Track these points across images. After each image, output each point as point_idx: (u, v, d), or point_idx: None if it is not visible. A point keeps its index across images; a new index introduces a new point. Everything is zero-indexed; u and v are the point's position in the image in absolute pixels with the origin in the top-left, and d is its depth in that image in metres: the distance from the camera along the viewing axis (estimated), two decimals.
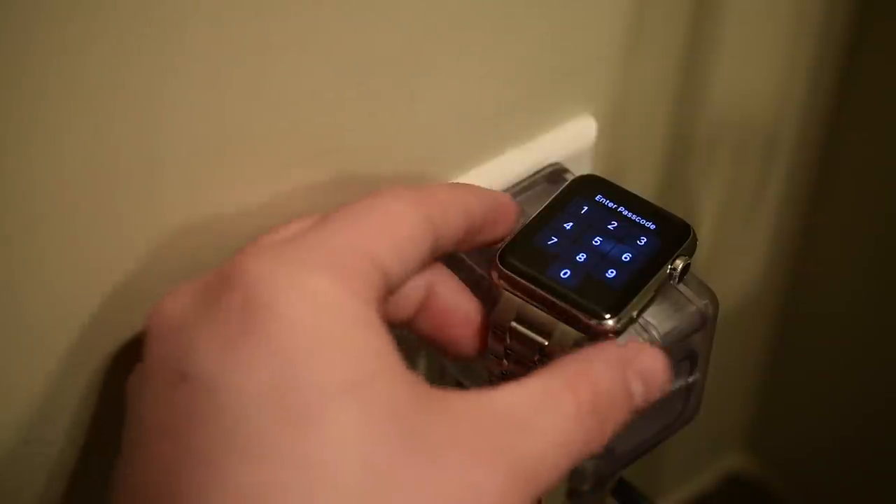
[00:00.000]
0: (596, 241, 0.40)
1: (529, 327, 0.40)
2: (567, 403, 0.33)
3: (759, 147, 0.71)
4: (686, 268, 0.42)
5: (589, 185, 0.43)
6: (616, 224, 0.41)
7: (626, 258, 0.40)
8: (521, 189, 0.51)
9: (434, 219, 0.36)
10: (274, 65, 0.40)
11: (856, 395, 0.86)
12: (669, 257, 0.41)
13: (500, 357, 0.41)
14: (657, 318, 0.47)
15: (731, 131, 0.67)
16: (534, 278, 0.39)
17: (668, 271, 0.41)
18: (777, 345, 0.89)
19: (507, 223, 0.41)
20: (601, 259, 0.40)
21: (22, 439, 0.41)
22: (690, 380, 0.49)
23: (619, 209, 0.42)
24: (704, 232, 0.72)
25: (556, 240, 0.40)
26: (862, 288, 0.81)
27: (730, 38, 0.61)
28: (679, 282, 0.42)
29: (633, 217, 0.41)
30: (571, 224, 0.41)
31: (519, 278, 0.40)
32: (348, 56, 0.42)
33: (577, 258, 0.40)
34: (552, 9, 0.49)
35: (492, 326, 0.40)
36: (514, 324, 0.40)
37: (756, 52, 0.65)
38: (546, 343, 0.40)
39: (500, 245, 0.41)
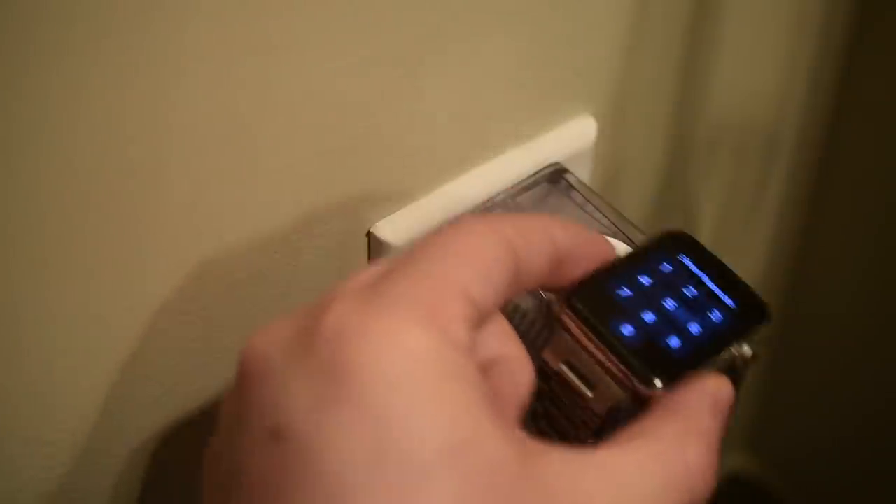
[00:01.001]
0: (668, 305, 0.38)
1: (577, 374, 0.38)
2: (677, 468, 0.32)
3: (760, 147, 0.71)
4: (753, 359, 0.39)
5: (677, 242, 0.40)
6: (694, 291, 0.39)
7: (693, 330, 0.38)
8: (521, 189, 0.51)
9: (516, 243, 0.34)
10: (276, 64, 0.40)
11: (856, 394, 0.86)
12: (738, 340, 0.38)
13: (539, 396, 0.39)
14: None
15: (731, 131, 0.67)
16: (595, 327, 0.37)
17: (732, 356, 0.38)
18: (777, 345, 0.89)
19: (596, 261, 0.38)
20: (668, 324, 0.37)
21: (22, 439, 0.41)
22: None
23: (701, 276, 0.39)
24: (704, 232, 0.72)
25: (629, 293, 0.38)
26: (862, 288, 0.81)
27: (730, 39, 0.61)
28: (742, 376, 0.39)
29: (713, 287, 0.39)
30: (649, 280, 0.39)
31: (581, 322, 0.37)
32: (349, 56, 0.42)
33: (645, 317, 0.37)
34: (552, 9, 0.49)
35: (539, 363, 0.39)
36: (562, 366, 0.38)
37: (756, 52, 0.65)
38: (590, 395, 0.38)
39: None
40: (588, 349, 0.37)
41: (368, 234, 0.47)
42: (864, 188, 0.77)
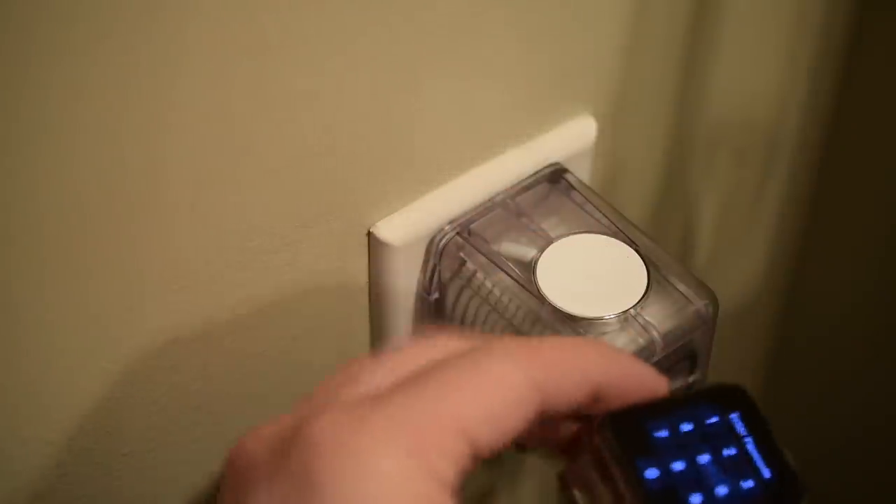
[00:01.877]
0: (702, 459, 0.35)
1: (588, 500, 0.36)
2: None
3: (760, 147, 0.71)
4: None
5: (733, 397, 0.38)
6: (733, 452, 0.36)
7: (720, 492, 0.35)
8: (521, 189, 0.51)
9: (545, 385, 0.33)
10: (274, 64, 0.40)
11: (856, 395, 0.86)
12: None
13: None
14: (657, 318, 0.47)
15: (731, 132, 0.67)
16: (621, 458, 0.35)
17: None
18: (777, 345, 0.89)
19: (644, 394, 0.36)
20: (696, 479, 0.35)
21: (22, 439, 0.41)
22: (690, 380, 0.49)
23: (745, 439, 0.37)
24: (705, 232, 0.72)
25: (666, 434, 0.35)
26: (862, 288, 0.81)
27: (730, 39, 0.61)
28: None
29: (754, 453, 0.36)
30: (690, 428, 0.36)
31: (609, 450, 0.35)
32: (349, 56, 0.42)
33: (674, 465, 0.35)
34: (552, 9, 0.49)
35: (559, 476, 0.37)
36: (576, 492, 0.36)
37: (756, 52, 0.65)
38: None
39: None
40: (608, 477, 0.35)
41: (368, 234, 0.47)
42: (864, 188, 0.77)
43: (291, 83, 0.41)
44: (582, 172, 0.53)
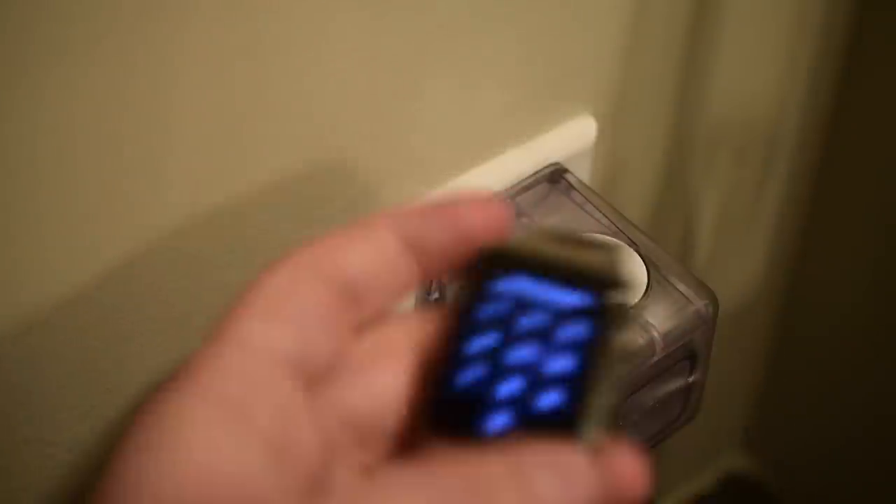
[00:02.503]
0: (518, 357, 0.30)
1: None
2: None
3: (760, 147, 0.71)
4: (623, 313, 0.31)
5: (488, 265, 0.32)
6: (534, 316, 0.30)
7: (558, 366, 0.30)
8: (521, 189, 0.51)
9: (408, 232, 0.31)
10: (274, 65, 0.40)
11: (855, 395, 0.86)
12: (608, 336, 0.30)
13: None
14: (657, 318, 0.47)
15: (731, 132, 0.67)
16: (468, 439, 0.29)
17: (612, 356, 0.30)
18: (777, 345, 0.89)
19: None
20: (532, 381, 0.30)
21: (22, 439, 0.41)
22: (690, 380, 0.49)
23: (529, 292, 0.31)
24: (705, 232, 0.72)
25: (477, 373, 0.30)
26: (861, 288, 0.81)
27: (730, 39, 0.61)
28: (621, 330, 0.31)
29: (550, 296, 0.31)
30: (487, 341, 0.30)
31: (455, 440, 0.30)
32: (348, 57, 0.42)
33: (504, 391, 0.29)
34: (552, 10, 0.49)
35: None
36: None
37: (756, 52, 0.65)
38: None
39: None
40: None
41: None
42: (864, 188, 0.77)
43: (291, 84, 0.41)
44: (582, 172, 0.53)
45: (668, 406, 0.49)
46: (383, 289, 0.31)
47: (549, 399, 0.29)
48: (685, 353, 0.48)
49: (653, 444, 0.50)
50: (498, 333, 0.30)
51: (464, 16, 0.45)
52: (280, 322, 0.29)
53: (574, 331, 0.30)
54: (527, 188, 0.51)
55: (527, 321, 0.30)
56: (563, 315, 0.30)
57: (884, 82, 0.72)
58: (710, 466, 0.96)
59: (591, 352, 0.30)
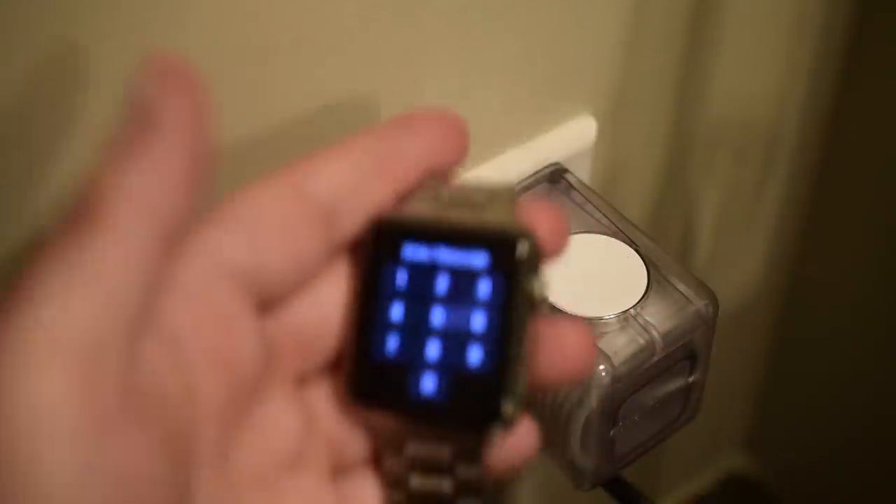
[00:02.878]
0: (436, 322, 0.30)
1: (427, 473, 0.30)
2: None
3: (760, 147, 0.71)
4: (531, 261, 0.30)
5: (388, 238, 0.31)
6: (444, 281, 0.30)
7: (476, 325, 0.29)
8: (521, 189, 0.51)
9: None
10: (274, 64, 0.40)
11: (855, 395, 0.86)
12: (519, 287, 0.30)
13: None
14: (657, 318, 0.47)
15: (731, 132, 0.67)
16: (399, 408, 0.30)
17: (527, 306, 0.30)
18: (777, 345, 0.89)
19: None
20: (453, 343, 0.29)
21: None
22: (690, 380, 0.49)
23: (434, 258, 0.30)
24: (705, 232, 0.72)
25: (397, 341, 0.30)
26: (862, 288, 0.81)
27: (730, 39, 0.61)
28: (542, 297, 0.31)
29: (455, 260, 0.30)
30: (402, 308, 0.30)
31: (384, 414, 0.30)
32: (348, 56, 0.42)
33: (429, 355, 0.29)
34: (552, 9, 0.49)
35: (384, 476, 0.31)
36: (414, 480, 0.30)
37: (756, 52, 0.65)
38: (452, 486, 0.30)
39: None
40: (413, 438, 0.30)
41: None
42: (864, 188, 0.77)
43: (291, 84, 0.41)
44: (582, 172, 0.53)
45: (668, 406, 0.49)
46: (358, 208, 0.30)
47: (473, 359, 0.29)
48: (685, 353, 0.48)
49: (653, 445, 0.50)
50: (410, 300, 0.30)
51: (463, 15, 0.45)
52: (233, 230, 0.28)
53: (483, 289, 0.30)
54: (527, 188, 0.51)
55: (436, 285, 0.30)
56: (470, 275, 0.30)
57: (884, 83, 0.72)
58: (710, 466, 0.96)
59: (503, 306, 0.29)
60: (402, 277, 0.30)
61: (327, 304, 0.30)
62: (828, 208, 0.80)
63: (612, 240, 0.49)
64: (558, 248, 0.31)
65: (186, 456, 0.26)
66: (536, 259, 0.30)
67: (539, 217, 0.31)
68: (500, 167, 0.51)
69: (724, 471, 0.97)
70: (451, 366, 0.29)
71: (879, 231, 0.78)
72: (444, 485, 0.30)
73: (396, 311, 0.30)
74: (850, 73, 0.72)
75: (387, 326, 0.30)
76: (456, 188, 0.32)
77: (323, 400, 0.31)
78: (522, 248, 0.30)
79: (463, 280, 0.30)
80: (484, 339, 0.29)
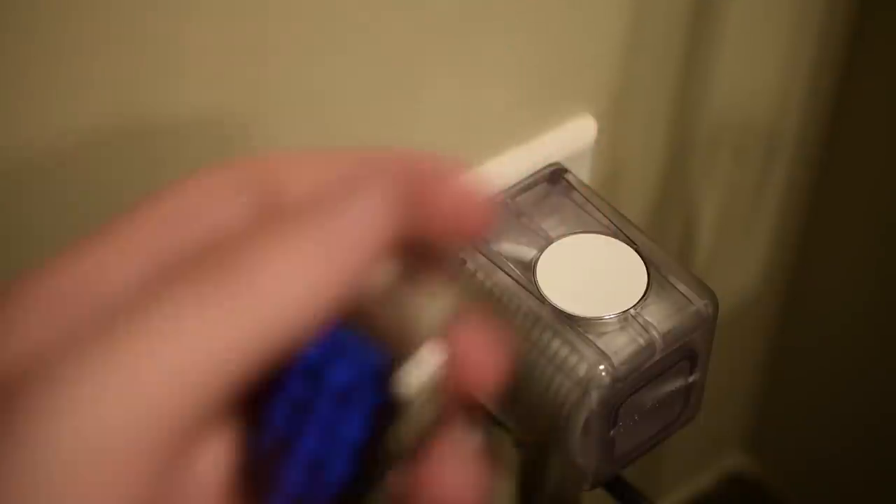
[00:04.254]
0: (313, 421, 0.26)
1: None
2: None
3: (760, 147, 0.71)
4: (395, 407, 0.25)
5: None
6: (315, 389, 0.26)
7: (346, 435, 0.25)
8: (521, 189, 0.51)
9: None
10: (274, 64, 0.40)
11: (855, 395, 0.86)
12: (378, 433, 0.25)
13: None
14: (657, 318, 0.47)
15: (731, 131, 0.67)
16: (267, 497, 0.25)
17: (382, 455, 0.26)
18: (777, 345, 0.89)
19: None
20: (326, 447, 0.26)
21: None
22: (690, 380, 0.49)
23: (320, 359, 0.26)
24: (705, 232, 0.72)
25: (278, 432, 0.26)
26: (862, 288, 0.81)
27: (730, 39, 0.61)
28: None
29: (332, 368, 0.26)
30: (289, 398, 0.26)
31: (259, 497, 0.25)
32: (348, 56, 0.42)
33: (291, 482, 0.25)
34: (552, 10, 0.49)
35: None
36: None
37: (756, 52, 0.65)
38: None
39: None
40: None
41: None
42: (864, 187, 0.77)
43: (289, 84, 0.41)
44: (582, 172, 0.53)
45: (668, 406, 0.49)
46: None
47: (331, 474, 0.25)
48: (685, 353, 0.48)
49: (653, 445, 0.50)
50: (300, 393, 0.26)
51: (464, 16, 0.45)
52: (161, 219, 0.24)
53: (349, 416, 0.25)
54: (527, 188, 0.51)
55: (312, 392, 0.26)
56: (340, 394, 0.26)
57: (884, 82, 0.72)
58: (711, 466, 0.96)
59: (364, 447, 0.25)
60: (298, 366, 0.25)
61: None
62: (827, 208, 0.80)
63: (612, 240, 0.49)
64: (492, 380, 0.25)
65: None
66: (400, 403, 0.25)
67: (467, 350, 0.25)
68: (500, 167, 0.51)
69: (724, 471, 0.97)
70: (312, 484, 0.25)
71: (879, 230, 0.78)
72: None
73: (286, 400, 0.25)
74: (850, 72, 0.72)
75: (274, 416, 0.26)
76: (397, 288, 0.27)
77: None
78: (395, 384, 0.25)
79: (332, 396, 0.25)
80: (351, 450, 0.25)
